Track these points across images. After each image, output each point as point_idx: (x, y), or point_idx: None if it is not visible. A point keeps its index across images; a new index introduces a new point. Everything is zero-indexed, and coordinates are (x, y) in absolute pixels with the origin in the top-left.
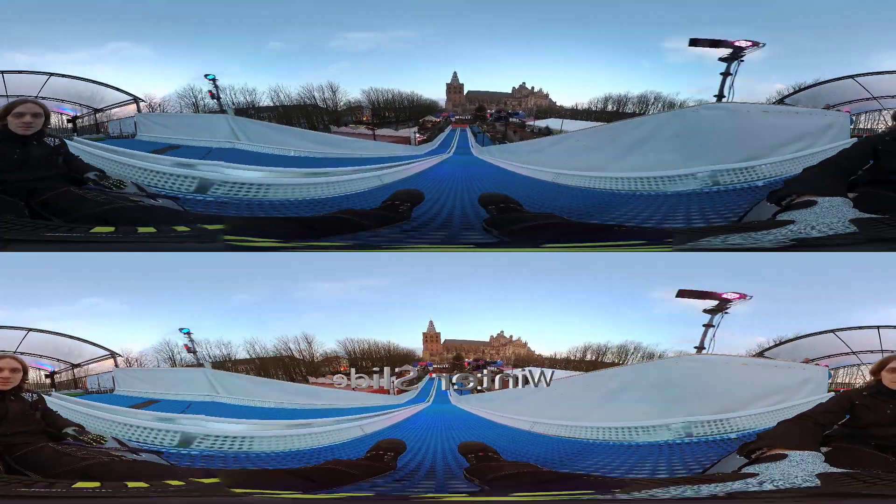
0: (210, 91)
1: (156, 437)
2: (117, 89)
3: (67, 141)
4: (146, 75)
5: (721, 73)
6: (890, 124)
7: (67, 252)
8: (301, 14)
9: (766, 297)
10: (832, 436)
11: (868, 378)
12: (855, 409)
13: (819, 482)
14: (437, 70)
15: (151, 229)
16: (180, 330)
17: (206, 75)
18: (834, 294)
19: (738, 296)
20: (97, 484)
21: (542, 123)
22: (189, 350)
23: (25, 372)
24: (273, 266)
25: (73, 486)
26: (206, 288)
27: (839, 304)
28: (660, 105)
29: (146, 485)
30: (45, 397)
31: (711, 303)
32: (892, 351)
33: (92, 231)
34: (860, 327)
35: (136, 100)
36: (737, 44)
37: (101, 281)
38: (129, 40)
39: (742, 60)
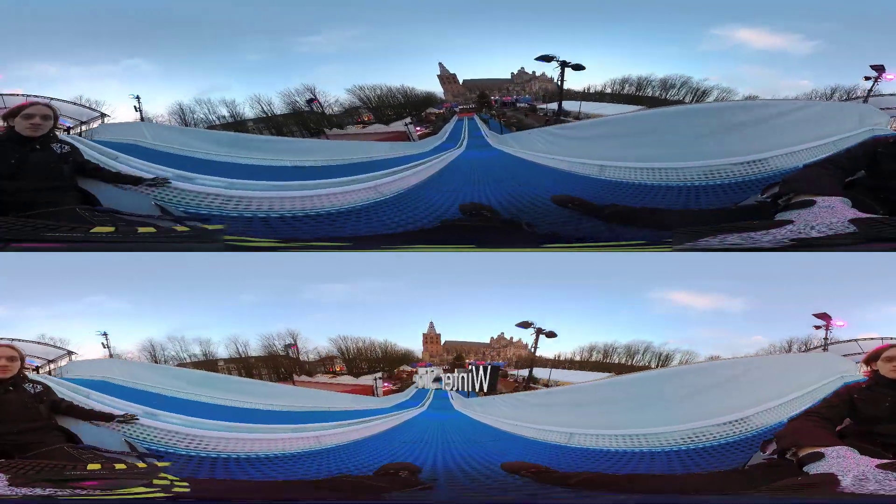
0: (134, 106)
1: None
2: (87, 107)
3: None
4: (156, 90)
5: (866, 91)
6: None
7: (67, 252)
8: (263, 20)
9: (765, 297)
10: (844, 434)
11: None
12: (854, 403)
13: None
14: (423, 63)
15: (151, 229)
16: (96, 332)
17: (130, 94)
18: (834, 294)
19: (842, 324)
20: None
21: (553, 107)
22: (104, 346)
23: (23, 361)
24: (273, 266)
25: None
26: (206, 288)
27: (839, 305)
28: (685, 90)
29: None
30: None
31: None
32: None
33: (92, 231)
34: (872, 338)
35: (101, 115)
36: (886, 75)
37: (101, 281)
38: (140, 57)
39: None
